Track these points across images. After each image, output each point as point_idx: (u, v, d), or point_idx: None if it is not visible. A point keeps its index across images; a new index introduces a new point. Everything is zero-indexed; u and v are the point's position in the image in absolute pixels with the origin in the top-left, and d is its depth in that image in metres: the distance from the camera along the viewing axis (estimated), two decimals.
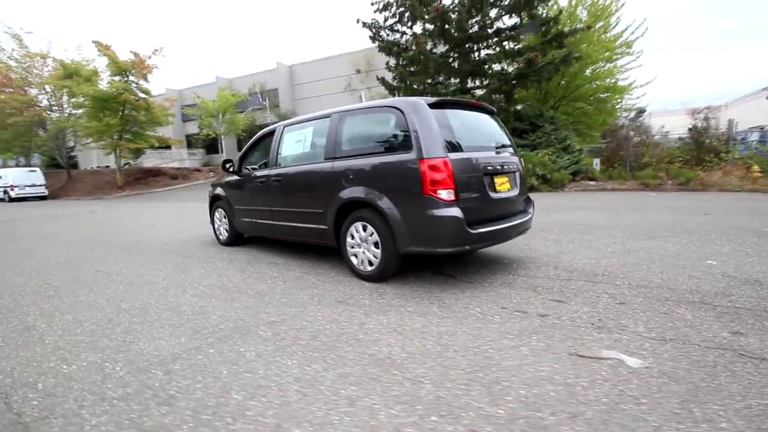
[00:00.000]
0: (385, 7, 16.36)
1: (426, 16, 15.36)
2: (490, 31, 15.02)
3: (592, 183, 13.02)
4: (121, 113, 18.80)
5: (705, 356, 2.01)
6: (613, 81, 18.05)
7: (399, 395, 1.76)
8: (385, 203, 3.19)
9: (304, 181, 3.94)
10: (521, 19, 15.22)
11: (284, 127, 4.39)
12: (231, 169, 5.01)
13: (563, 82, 17.70)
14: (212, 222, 5.70)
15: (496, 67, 15.19)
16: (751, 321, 2.40)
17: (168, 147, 28.84)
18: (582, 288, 3.08)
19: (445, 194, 2.93)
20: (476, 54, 15.95)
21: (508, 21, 15.65)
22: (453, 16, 14.25)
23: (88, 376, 2.04)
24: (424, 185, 2.96)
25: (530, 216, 3.74)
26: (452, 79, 16.66)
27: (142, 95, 19.14)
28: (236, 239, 5.31)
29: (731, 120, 12.13)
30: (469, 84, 16.11)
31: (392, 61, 17.35)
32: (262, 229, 4.69)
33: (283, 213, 4.24)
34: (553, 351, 2.11)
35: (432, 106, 3.19)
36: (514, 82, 14.19)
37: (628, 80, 18.32)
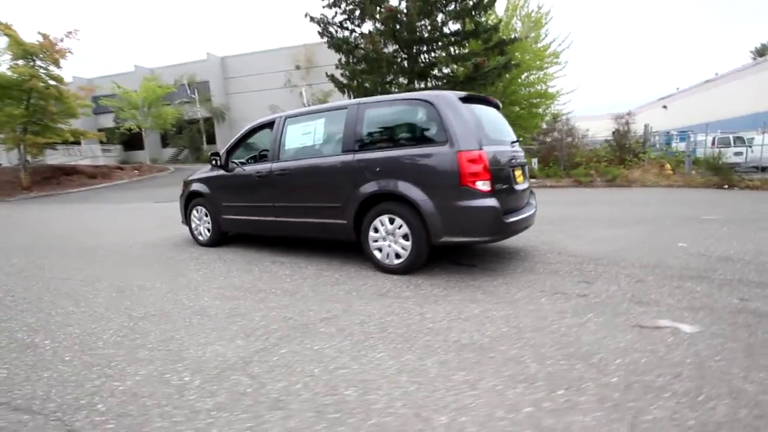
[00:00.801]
0: (335, 3, 16.15)
1: (377, 16, 15.49)
2: (438, 34, 15.58)
3: (533, 181, 14.13)
4: (26, 103, 16.18)
5: (735, 318, 2.34)
6: (544, 88, 19.72)
7: (513, 375, 1.81)
8: (417, 195, 3.20)
9: (318, 175, 3.79)
10: (464, 26, 16.04)
11: (286, 118, 4.18)
12: (218, 164, 4.64)
13: (501, 87, 18.96)
14: (188, 222, 5.21)
15: (446, 69, 15.79)
16: (746, 289, 2.83)
17: (77, 142, 25.57)
18: (596, 270, 3.37)
19: (482, 185, 3.03)
20: (426, 56, 16.44)
21: (453, 27, 16.42)
22: (404, 18, 14.53)
23: (157, 390, 1.80)
24: (462, 177, 3.03)
25: (536, 208, 4.00)
26: (401, 79, 17.01)
27: (52, 83, 16.67)
28: (220, 239, 4.93)
29: (647, 125, 13.97)
30: (420, 85, 16.54)
31: (342, 59, 17.23)
32: (258, 226, 4.41)
33: (289, 209, 4.04)
34: (616, 324, 2.31)
35: (461, 100, 3.27)
36: (462, 84, 14.86)
37: (556, 88, 20.14)
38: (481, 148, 3.07)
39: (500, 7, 19.03)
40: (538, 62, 19.54)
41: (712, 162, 10.94)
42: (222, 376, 1.89)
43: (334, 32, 17.03)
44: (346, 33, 17.09)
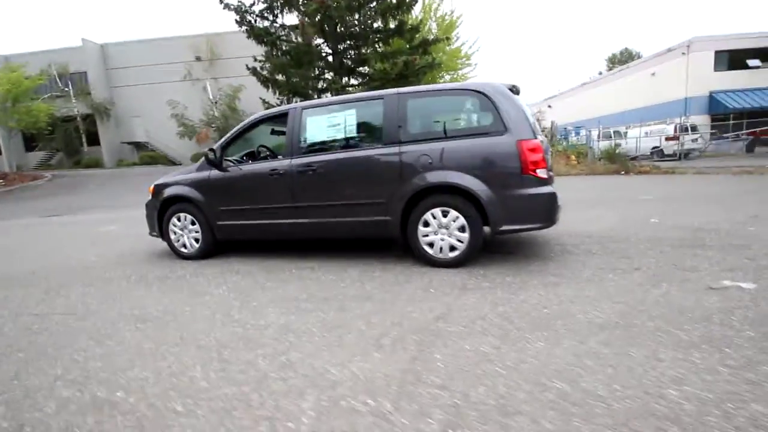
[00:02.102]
0: None
1: (302, 8, 14.89)
2: (365, 30, 15.60)
3: None
4: None
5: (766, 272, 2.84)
6: None
7: (677, 343, 1.94)
8: (476, 186, 3.20)
9: (355, 170, 3.53)
10: (385, 23, 16.33)
11: (303, 109, 3.79)
12: (213, 163, 4.01)
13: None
14: (163, 234, 4.41)
15: (378, 66, 15.87)
16: (753, 251, 3.43)
17: None
18: (620, 247, 3.77)
19: (542, 173, 3.16)
20: (353, 52, 16.34)
21: (378, 25, 16.57)
22: (333, 12, 14.21)
23: (361, 423, 1.51)
24: (524, 165, 3.12)
25: None
26: (329, 74, 16.66)
27: None
28: (212, 249, 4.29)
29: (553, 121, 15.91)
30: (351, 81, 16.42)
31: (264, 51, 16.20)
32: (271, 231, 3.94)
33: (315, 209, 3.69)
34: (691, 289, 2.62)
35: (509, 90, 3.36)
36: (395, 81, 15.12)
37: None
38: (536, 137, 3.19)
39: (415, 9, 19.87)
40: (451, 63, 20.88)
41: (611, 152, 12.96)
42: (409, 394, 1.67)
43: (252, 21, 15.93)
44: (266, 23, 16.13)
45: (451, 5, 41.29)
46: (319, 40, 16.25)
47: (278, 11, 15.63)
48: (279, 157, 3.92)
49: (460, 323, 2.32)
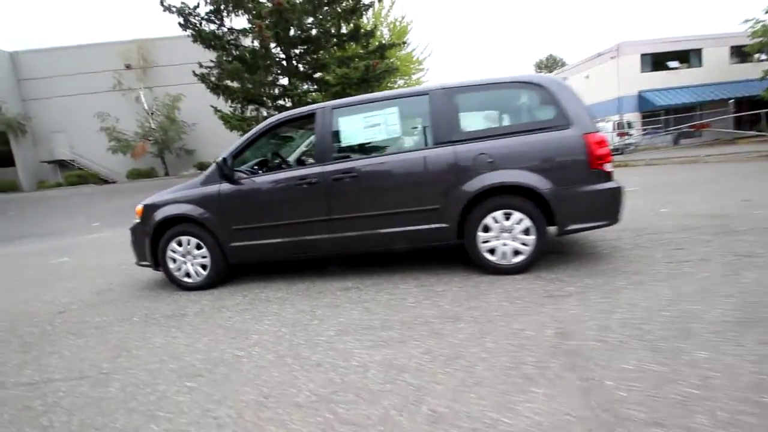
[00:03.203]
0: None
1: (253, 11, 14.09)
2: (322, 33, 15.13)
3: None
4: None
5: None
6: None
7: None
8: (542, 184, 2.98)
9: (404, 174, 3.16)
10: (338, 28, 15.99)
11: (333, 109, 3.35)
12: (225, 176, 3.42)
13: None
14: (159, 263, 3.70)
15: (339, 71, 15.43)
16: None
17: None
18: (666, 239, 3.74)
19: (608, 167, 3.01)
20: (312, 57, 15.82)
21: (334, 30, 16.17)
22: (288, 15, 13.59)
23: None
24: (591, 160, 2.95)
25: None
26: (281, 80, 15.97)
27: None
28: (223, 276, 3.68)
29: None
30: (313, 86, 15.86)
31: (208, 56, 15.12)
32: (300, 249, 3.41)
33: (357, 220, 3.25)
34: None
35: None
36: (357, 85, 14.79)
37: None
38: (598, 130, 3.05)
39: (367, 14, 19.79)
40: (405, 68, 21.04)
41: None
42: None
43: (198, 24, 14.81)
44: (213, 27, 15.09)
45: (401, 11, 41.71)
46: (272, 44, 15.51)
47: (226, 14, 14.66)
48: (293, 164, 3.44)
49: (589, 337, 2.05)
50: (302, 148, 4.30)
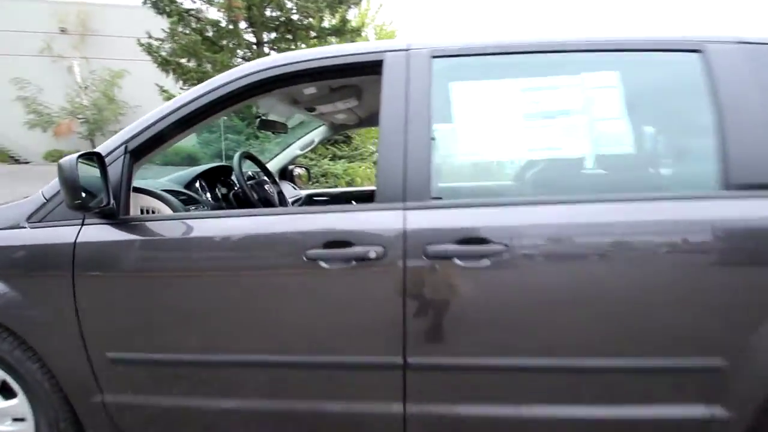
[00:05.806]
0: None
1: None
2: (302, 22, 13.20)
3: None
4: None
5: None
6: None
7: None
8: None
9: (649, 263, 1.09)
10: (322, 20, 14.21)
11: (432, 58, 1.22)
12: (95, 200, 1.16)
13: None
14: None
15: None
16: None
17: None
18: None
19: None
20: (286, 46, 13.74)
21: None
22: None
23: None
24: None
25: None
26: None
27: None
28: None
29: None
30: None
31: (161, 27, 12.46)
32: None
33: (496, 376, 1.15)
34: None
35: None
36: None
37: None
38: None
39: (353, 12, 18.26)
40: None
41: None
42: None
43: None
44: None
45: (389, 16, 40.32)
46: (243, 23, 13.19)
47: None
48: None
49: None
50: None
